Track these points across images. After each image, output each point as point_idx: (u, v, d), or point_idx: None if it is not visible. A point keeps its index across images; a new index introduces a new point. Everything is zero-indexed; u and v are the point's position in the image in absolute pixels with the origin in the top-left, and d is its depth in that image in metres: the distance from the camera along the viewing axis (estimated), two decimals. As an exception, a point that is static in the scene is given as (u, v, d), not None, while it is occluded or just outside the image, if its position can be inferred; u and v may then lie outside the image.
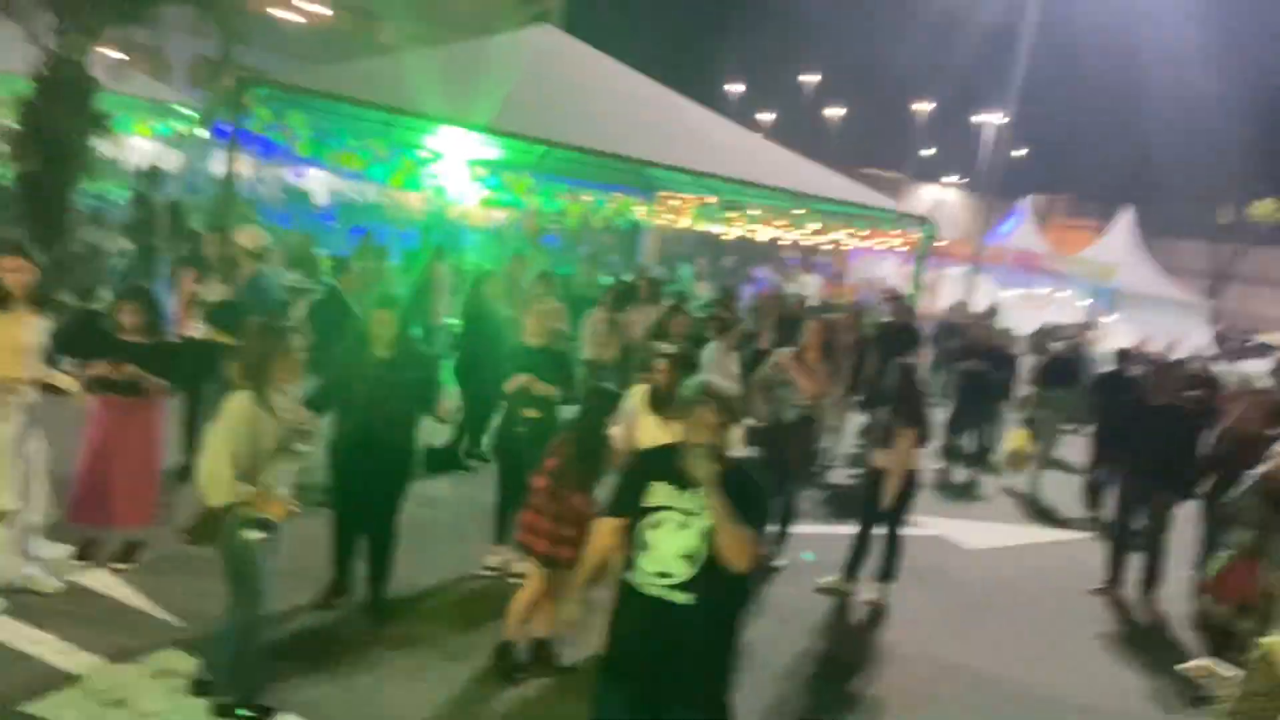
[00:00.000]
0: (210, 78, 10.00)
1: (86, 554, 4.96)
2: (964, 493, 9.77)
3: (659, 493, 3.04)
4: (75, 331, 5.17)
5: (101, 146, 9.17)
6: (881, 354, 8.89)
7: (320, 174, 21.07)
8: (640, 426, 4.71)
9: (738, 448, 3.19)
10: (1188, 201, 42.98)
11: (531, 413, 5.39)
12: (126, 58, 12.04)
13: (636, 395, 4.86)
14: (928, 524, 8.09)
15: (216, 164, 10.45)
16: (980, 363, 9.76)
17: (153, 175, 11.99)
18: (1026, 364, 11.82)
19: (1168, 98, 49.67)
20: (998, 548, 8.03)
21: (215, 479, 3.60)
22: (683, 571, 2.97)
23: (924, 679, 5.38)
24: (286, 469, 3.81)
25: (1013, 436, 9.96)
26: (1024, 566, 7.71)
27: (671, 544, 2.98)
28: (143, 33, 8.99)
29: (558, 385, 5.49)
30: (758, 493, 3.10)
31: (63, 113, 7.80)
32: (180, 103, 14.88)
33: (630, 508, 3.11)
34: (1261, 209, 41.83)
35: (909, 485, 5.97)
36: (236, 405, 3.68)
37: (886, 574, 6.16)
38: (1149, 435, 6.51)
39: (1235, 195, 42.56)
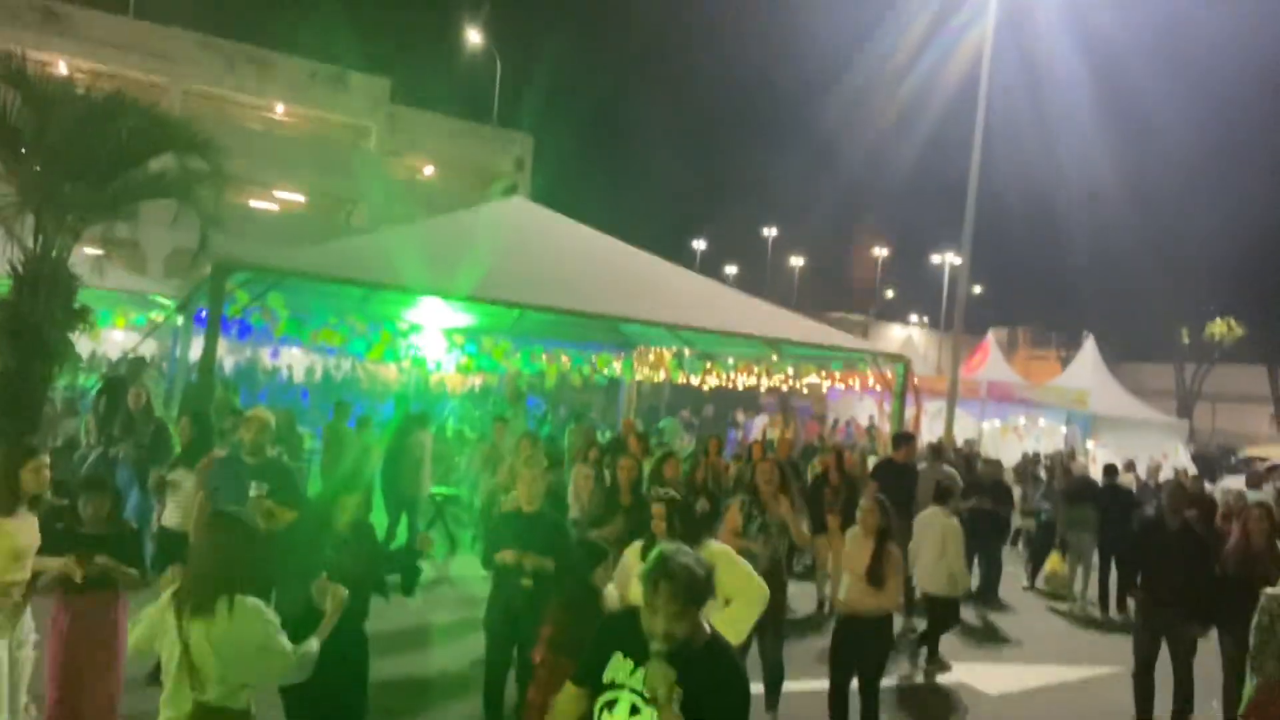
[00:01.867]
0: (188, 267, 10.16)
1: None
2: (977, 634, 9.44)
3: (616, 667, 2.68)
4: (43, 528, 4.96)
5: (80, 341, 9.19)
6: (886, 492, 8.78)
7: (296, 352, 21.25)
8: (635, 584, 4.47)
9: (708, 624, 2.73)
10: (1146, 325, 44.42)
11: (526, 582, 5.12)
12: (104, 253, 12.29)
13: (632, 551, 4.57)
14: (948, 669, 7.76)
15: (194, 350, 10.48)
16: (985, 500, 9.69)
17: (134, 363, 11.99)
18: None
19: (1117, 224, 52.21)
20: (1023, 691, 7.66)
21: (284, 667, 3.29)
22: None
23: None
24: None
25: (1050, 560, 9.98)
26: (1054, 709, 7.35)
27: None
28: (122, 228, 9.16)
29: (552, 554, 5.07)
30: (729, 683, 2.62)
31: (42, 309, 7.83)
32: (157, 293, 15.08)
33: (590, 679, 2.75)
34: (1217, 328, 43.31)
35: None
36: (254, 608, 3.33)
37: None
38: (1166, 563, 6.36)
39: (1191, 316, 44.09)
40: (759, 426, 19.72)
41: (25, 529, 4.23)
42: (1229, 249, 43.09)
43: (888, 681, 7.03)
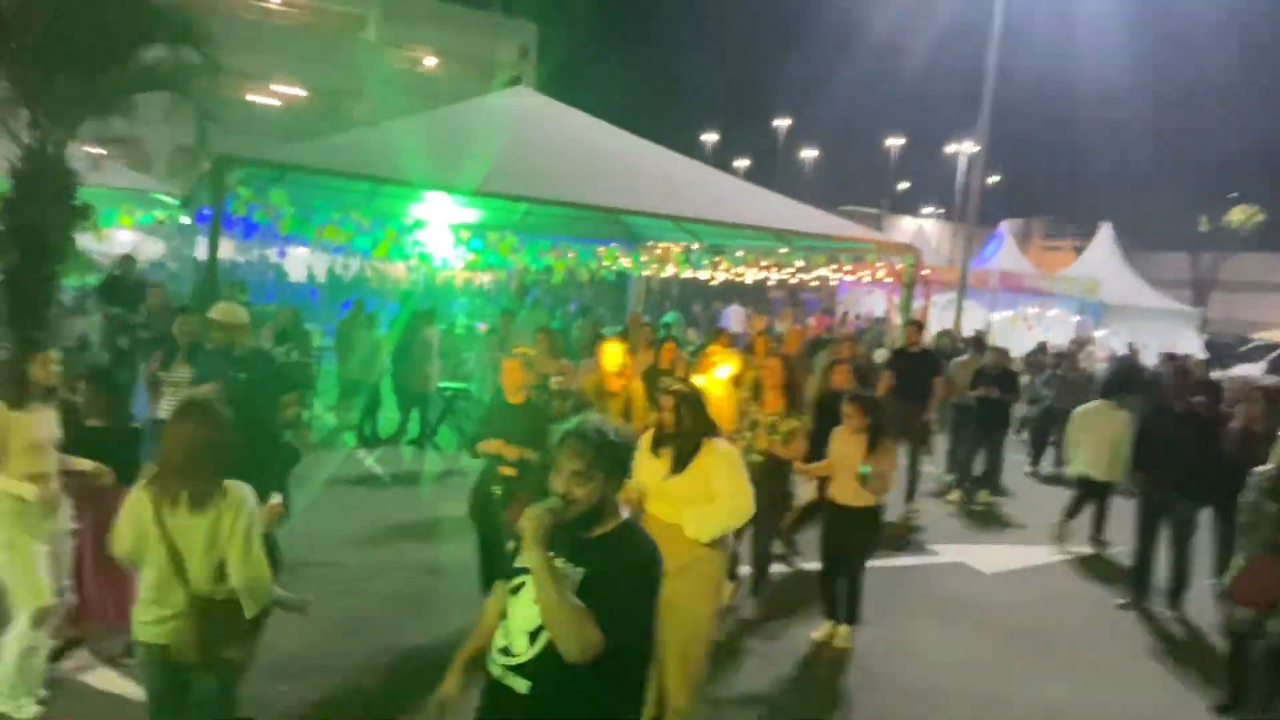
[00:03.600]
0: (189, 164, 10.03)
1: (66, 652, 4.73)
2: (979, 517, 9.63)
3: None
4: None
5: (84, 239, 9.16)
6: (903, 382, 8.83)
7: (303, 251, 21.18)
8: (641, 471, 4.43)
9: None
10: (1163, 214, 43.58)
11: (508, 471, 5.18)
12: (105, 151, 12.11)
13: (641, 441, 4.57)
14: (946, 551, 7.95)
15: (200, 249, 10.45)
16: (992, 388, 9.71)
17: (126, 261, 12.01)
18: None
19: (1134, 114, 50.69)
20: (1019, 569, 7.87)
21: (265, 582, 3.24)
22: (523, 651, 2.41)
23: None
24: None
25: None
26: (1048, 588, 7.55)
27: (522, 615, 2.43)
28: (120, 124, 8.99)
29: (535, 444, 5.11)
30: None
31: (43, 207, 7.77)
32: (162, 191, 14.94)
33: (509, 568, 2.57)
34: (1236, 216, 42.51)
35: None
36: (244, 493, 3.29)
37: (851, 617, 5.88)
38: (1169, 444, 6.45)
39: (1209, 204, 43.25)
40: (733, 316, 19.53)
41: (41, 421, 4.29)
42: (1249, 136, 41.95)
43: (884, 561, 7.24)
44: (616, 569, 2.40)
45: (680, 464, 4.21)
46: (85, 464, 4.42)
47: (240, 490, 3.21)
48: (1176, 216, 44.36)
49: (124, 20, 7.81)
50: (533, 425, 5.21)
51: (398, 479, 9.30)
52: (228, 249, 13.62)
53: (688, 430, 4.25)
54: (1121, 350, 17.96)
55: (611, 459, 2.48)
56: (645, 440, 4.41)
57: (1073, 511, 8.44)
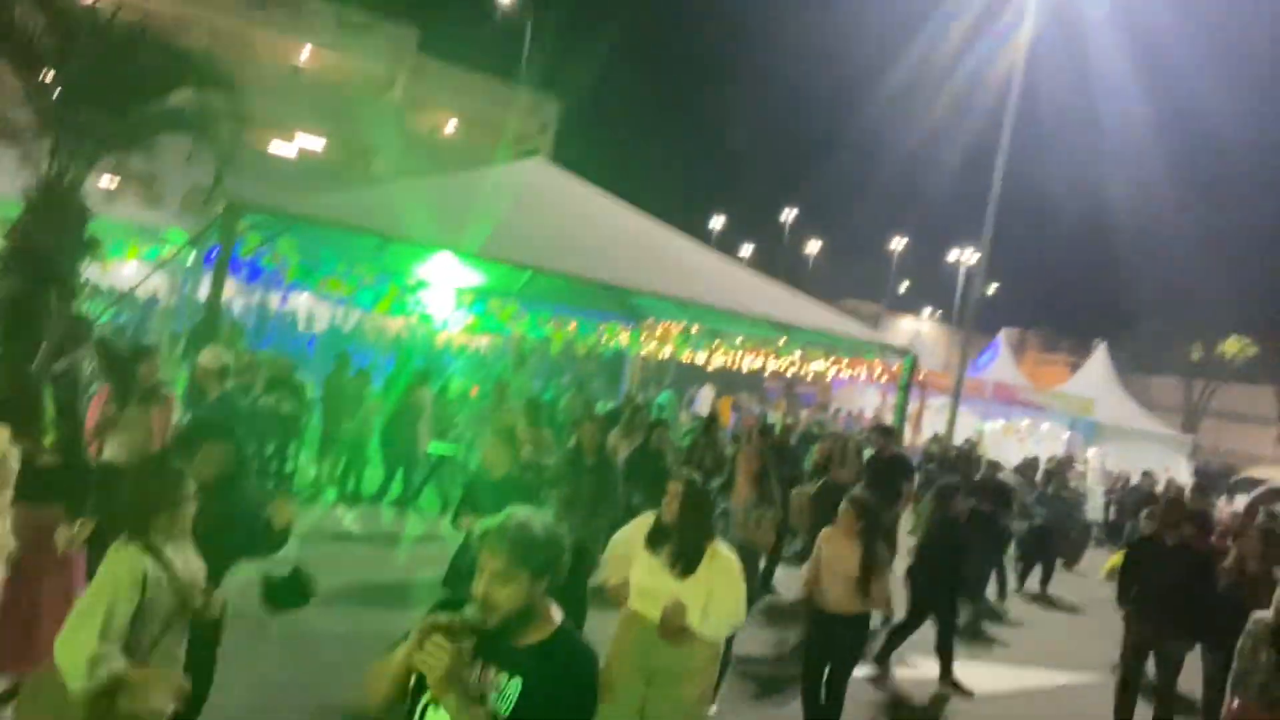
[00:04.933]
0: (203, 204, 10.11)
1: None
2: (964, 633, 9.41)
3: None
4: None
5: (90, 270, 9.16)
6: (874, 486, 8.73)
7: (305, 298, 21.23)
8: (637, 568, 4.20)
9: (556, 612, 2.39)
10: (1158, 338, 44.06)
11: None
12: (120, 184, 12.22)
13: (637, 525, 4.42)
14: (924, 666, 7.76)
15: (204, 288, 10.48)
16: (986, 503, 9.61)
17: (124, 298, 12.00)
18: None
19: (1137, 236, 51.72)
20: (1002, 692, 7.66)
21: (74, 655, 2.88)
22: None
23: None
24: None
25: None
26: (1033, 715, 7.35)
27: None
28: (138, 160, 9.10)
29: None
30: (567, 682, 2.25)
31: (52, 236, 7.79)
32: (170, 228, 15.03)
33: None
34: (1230, 346, 43.03)
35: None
36: (118, 558, 3.11)
37: None
38: (1159, 578, 6.30)
39: (1204, 332, 43.76)
40: (704, 399, 19.48)
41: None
42: (1248, 268, 42.74)
43: (866, 673, 7.06)
44: (555, 683, 2.22)
45: (687, 567, 4.06)
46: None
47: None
48: (1171, 340, 44.84)
49: (156, 62, 7.97)
50: (512, 498, 5.08)
51: (374, 539, 9.12)
52: (231, 290, 13.62)
53: (691, 528, 4.12)
54: (1112, 470, 17.94)
55: (538, 558, 2.25)
56: (639, 531, 4.31)
57: None
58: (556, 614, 2.37)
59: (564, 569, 2.35)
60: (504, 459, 5.24)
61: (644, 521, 4.33)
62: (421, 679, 2.23)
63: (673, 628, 3.96)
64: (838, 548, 5.40)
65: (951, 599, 7.48)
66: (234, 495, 3.93)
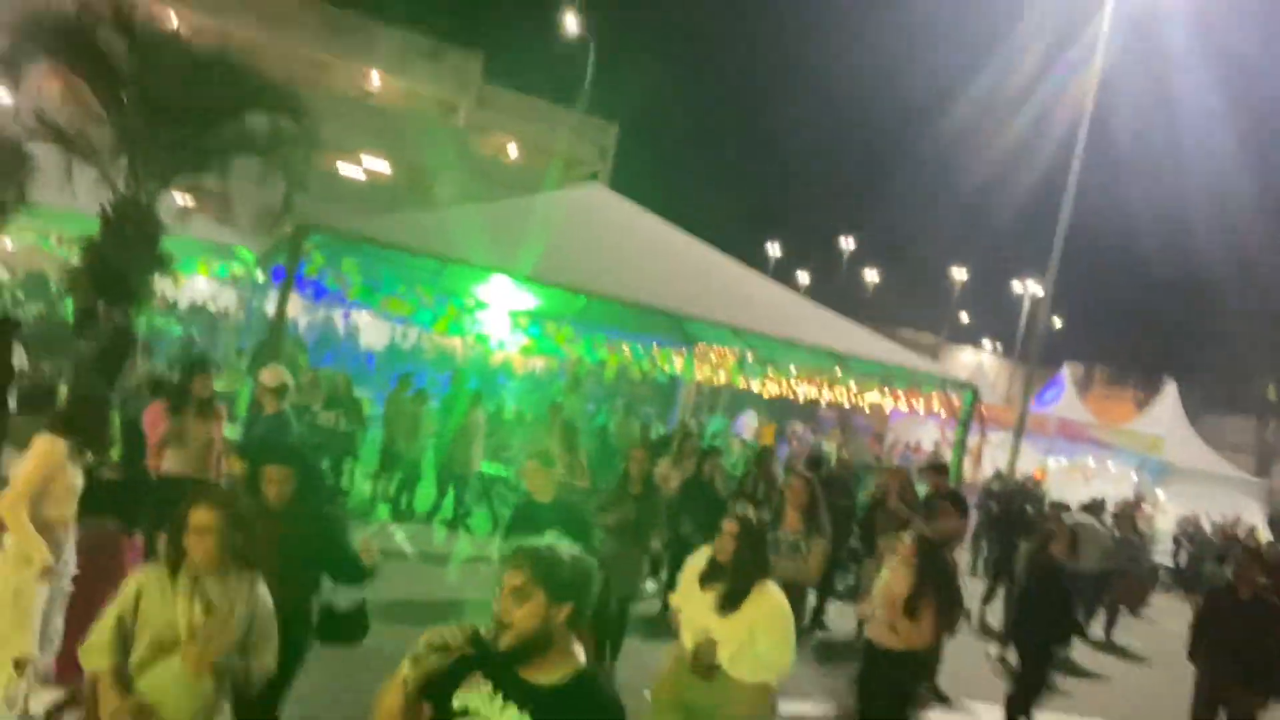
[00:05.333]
0: (272, 225, 10.40)
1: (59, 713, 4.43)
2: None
3: (473, 690, 2.16)
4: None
5: (162, 285, 9.48)
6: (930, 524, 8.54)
7: (366, 316, 21.67)
8: (688, 605, 4.12)
9: (580, 651, 2.26)
10: (1232, 375, 42.53)
11: None
12: (193, 202, 12.61)
13: (692, 562, 4.31)
14: (981, 712, 7.51)
15: (270, 304, 10.76)
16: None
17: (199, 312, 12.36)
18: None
19: (1211, 269, 50.16)
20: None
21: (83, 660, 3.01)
22: None
23: None
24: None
25: None
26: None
27: None
28: (212, 179, 9.41)
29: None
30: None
31: (127, 252, 8.07)
32: (240, 246, 15.48)
33: (438, 696, 2.20)
34: (1308, 386, 41.33)
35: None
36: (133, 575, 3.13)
37: None
38: (1234, 632, 6.05)
39: (1276, 373, 42.17)
40: (747, 425, 19.15)
41: (79, 469, 4.29)
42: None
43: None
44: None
45: (731, 605, 3.95)
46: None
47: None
48: (1244, 378, 43.27)
49: (231, 86, 8.27)
50: (561, 523, 5.05)
51: (425, 557, 9.18)
52: (295, 307, 13.95)
53: (745, 567, 4.02)
54: (1181, 513, 17.30)
55: (559, 580, 2.15)
56: (693, 569, 4.22)
57: None
58: (580, 653, 2.24)
59: (590, 600, 2.24)
60: (543, 483, 5.23)
61: (703, 554, 4.27)
62: (448, 714, 2.15)
63: (702, 664, 3.89)
64: (893, 578, 5.30)
65: (1047, 651, 6.68)
66: (308, 521, 3.85)
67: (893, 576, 5.30)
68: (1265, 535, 16.52)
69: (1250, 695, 5.97)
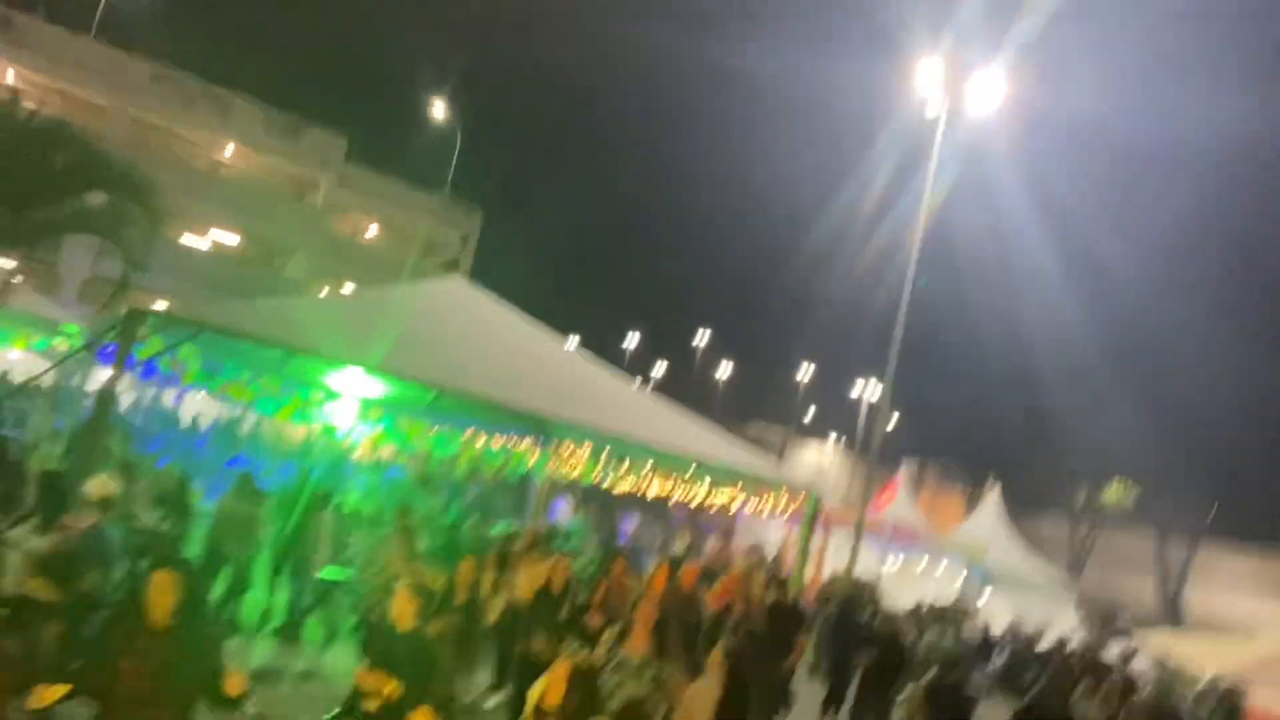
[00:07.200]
0: (107, 300, 9.80)
1: None
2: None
3: None
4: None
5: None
6: (771, 637, 8.72)
7: (200, 397, 20.44)
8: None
9: None
10: (1047, 479, 46.07)
11: (370, 705, 4.67)
12: (18, 273, 11.75)
13: (532, 695, 4.21)
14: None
15: (92, 383, 10.03)
16: (881, 653, 9.75)
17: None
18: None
19: (1032, 380, 54.56)
20: None
21: None
22: None
23: None
24: None
25: None
26: None
27: None
28: (42, 253, 8.84)
29: (408, 679, 4.57)
30: None
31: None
32: (67, 323, 14.42)
33: None
34: (1112, 494, 45.25)
35: None
36: None
37: None
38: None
39: (1089, 476, 46.00)
40: (563, 510, 18.92)
41: None
42: (1135, 415, 45.42)
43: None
44: None
45: None
46: None
47: None
48: (1060, 479, 46.87)
49: (70, 164, 7.84)
50: (410, 656, 4.83)
51: (257, 676, 8.54)
52: (121, 384, 13.01)
53: (575, 712, 3.99)
54: (1004, 616, 18.32)
55: None
56: (531, 702, 4.10)
57: None
58: None
59: None
60: (410, 612, 5.00)
61: (540, 686, 4.14)
62: None
63: None
64: (700, 698, 5.23)
65: None
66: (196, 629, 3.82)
67: (698, 698, 5.26)
68: (1073, 643, 17.71)
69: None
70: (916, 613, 14.93)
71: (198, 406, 21.35)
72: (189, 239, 29.99)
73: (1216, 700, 10.06)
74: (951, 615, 13.28)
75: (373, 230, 35.81)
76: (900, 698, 8.27)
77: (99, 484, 5.43)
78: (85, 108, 25.67)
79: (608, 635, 6.04)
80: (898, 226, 22.50)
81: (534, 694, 4.16)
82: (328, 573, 10.21)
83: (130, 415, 18.17)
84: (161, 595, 3.75)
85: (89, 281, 22.75)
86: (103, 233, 8.35)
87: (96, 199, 8.39)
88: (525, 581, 8.66)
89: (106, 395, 8.27)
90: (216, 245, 31.19)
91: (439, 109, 35.83)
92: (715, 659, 5.34)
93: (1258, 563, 43.00)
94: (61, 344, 15.03)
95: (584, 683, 3.97)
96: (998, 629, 17.44)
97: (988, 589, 20.96)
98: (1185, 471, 40.54)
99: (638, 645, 5.80)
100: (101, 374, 9.02)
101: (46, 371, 11.20)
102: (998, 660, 12.80)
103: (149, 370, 11.99)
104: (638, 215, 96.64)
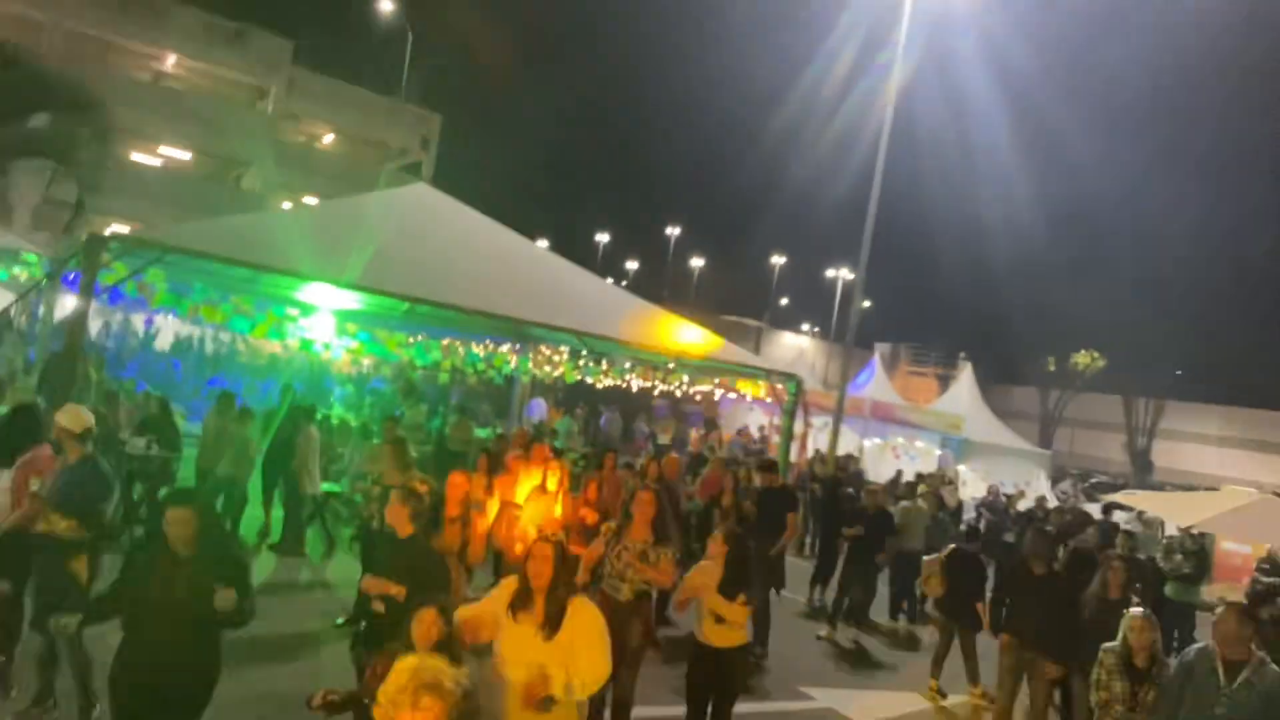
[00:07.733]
0: (65, 224, 9.48)
1: None
2: (848, 657, 9.68)
3: None
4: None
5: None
6: (763, 519, 8.95)
7: (171, 318, 20.12)
8: (506, 641, 3.96)
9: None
10: (1018, 351, 47.18)
11: (378, 607, 4.76)
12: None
13: (504, 587, 4.15)
14: (818, 695, 7.95)
15: (60, 311, 9.78)
16: (867, 528, 10.10)
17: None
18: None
19: (1001, 257, 54.93)
20: (894, 718, 7.92)
21: None
22: None
23: None
24: None
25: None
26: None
27: None
28: (-10, 180, 8.49)
29: (408, 582, 4.64)
30: None
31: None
32: (24, 250, 13.98)
33: None
34: (1081, 359, 46.41)
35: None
36: None
37: None
38: (1030, 606, 6.76)
39: (1058, 347, 47.23)
40: (540, 410, 19.12)
41: None
42: (1099, 288, 46.22)
43: (752, 706, 7.16)
44: None
45: (552, 626, 3.92)
46: None
47: None
48: (1029, 354, 48.02)
49: (13, 86, 7.47)
50: (410, 562, 4.91)
51: (266, 589, 8.69)
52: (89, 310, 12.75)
53: (559, 590, 3.98)
54: (980, 487, 18.91)
55: None
56: (500, 600, 4.10)
57: (938, 659, 8.64)
58: None
59: None
60: (404, 519, 5.07)
61: (508, 584, 4.16)
62: None
63: (537, 698, 3.78)
64: (704, 577, 5.44)
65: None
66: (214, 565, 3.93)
67: (703, 577, 5.45)
68: (1051, 501, 18.34)
69: (1048, 662, 6.65)
70: (895, 483, 15.34)
71: (169, 329, 21.07)
72: (139, 157, 28.89)
73: (1186, 549, 10.56)
74: (931, 484, 13.70)
75: (329, 138, 34.67)
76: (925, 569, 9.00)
77: (73, 416, 5.26)
78: (17, 23, 24.27)
79: (605, 529, 6.17)
80: (866, 107, 22.11)
81: (499, 594, 4.15)
82: (322, 486, 10.30)
83: (101, 341, 17.91)
84: (179, 528, 3.87)
85: (41, 206, 22.04)
86: (53, 155, 7.99)
87: (42, 120, 8.01)
88: (521, 486, 8.80)
89: (77, 323, 8.06)
90: (168, 162, 30.10)
91: (387, 5, 34.32)
92: (716, 541, 5.52)
93: (1221, 421, 44.66)
94: (22, 274, 14.62)
95: (567, 562, 4.03)
96: (977, 494, 18.07)
97: (963, 464, 21.57)
98: (1149, 338, 41.63)
99: (637, 538, 5.95)
100: (68, 302, 8.79)
101: (14, 303, 10.92)
102: (979, 525, 13.34)
103: (115, 296, 11.76)
104: (601, 107, 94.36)
